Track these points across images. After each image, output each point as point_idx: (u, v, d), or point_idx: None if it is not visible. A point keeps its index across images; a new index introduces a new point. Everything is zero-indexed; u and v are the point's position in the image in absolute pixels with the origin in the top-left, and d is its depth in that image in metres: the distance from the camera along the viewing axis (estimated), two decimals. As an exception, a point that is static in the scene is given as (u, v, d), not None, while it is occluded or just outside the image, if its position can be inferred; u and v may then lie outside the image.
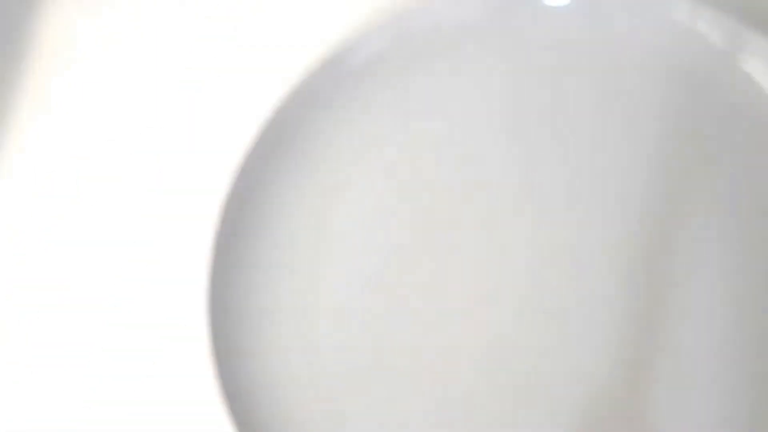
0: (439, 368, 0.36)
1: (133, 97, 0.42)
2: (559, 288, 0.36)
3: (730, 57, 0.37)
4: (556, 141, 0.38)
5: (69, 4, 0.44)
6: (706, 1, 0.37)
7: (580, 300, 0.36)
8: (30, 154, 0.42)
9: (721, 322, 0.35)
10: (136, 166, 0.41)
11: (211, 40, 0.42)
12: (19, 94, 0.43)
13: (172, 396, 0.38)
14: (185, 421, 0.37)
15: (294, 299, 0.38)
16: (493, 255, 0.37)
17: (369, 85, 0.39)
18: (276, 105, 0.38)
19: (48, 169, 0.42)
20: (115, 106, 0.42)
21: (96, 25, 0.43)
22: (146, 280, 0.40)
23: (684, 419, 0.34)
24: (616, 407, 0.34)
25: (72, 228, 0.41)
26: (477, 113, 0.39)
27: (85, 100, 0.43)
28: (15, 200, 0.42)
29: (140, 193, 0.41)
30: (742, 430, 0.33)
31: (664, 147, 0.37)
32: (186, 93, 0.42)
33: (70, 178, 0.42)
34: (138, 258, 0.40)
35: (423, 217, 0.38)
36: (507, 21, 0.39)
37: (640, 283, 0.36)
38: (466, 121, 0.39)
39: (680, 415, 0.34)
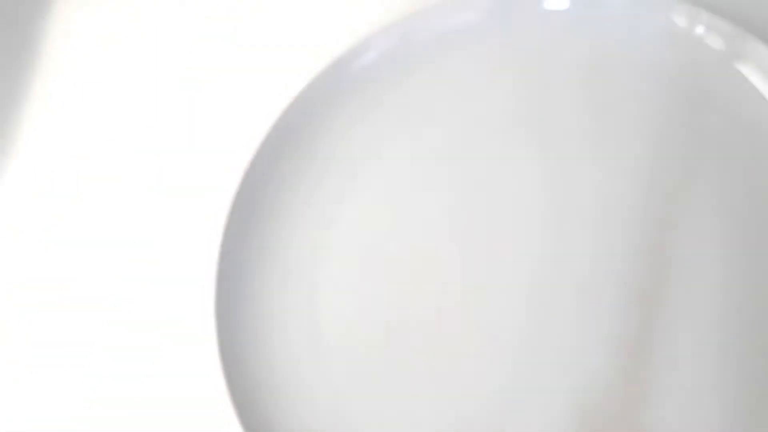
0: (442, 367, 0.36)
1: (141, 98, 0.42)
2: (559, 288, 0.36)
3: (728, 61, 0.38)
4: (556, 143, 0.38)
5: (74, 5, 0.44)
6: (705, 5, 0.38)
7: (579, 300, 0.36)
8: (36, 154, 0.43)
9: (719, 322, 0.35)
10: (144, 166, 0.42)
11: (222, 42, 0.42)
12: (25, 94, 0.43)
13: (179, 396, 0.38)
14: (193, 422, 0.37)
15: (300, 300, 0.38)
16: (493, 255, 0.37)
17: (374, 87, 0.40)
18: (283, 107, 0.39)
19: (54, 169, 0.43)
20: (123, 106, 0.43)
21: (102, 26, 0.44)
22: (154, 281, 0.40)
23: (682, 419, 0.34)
24: (615, 407, 0.34)
25: (80, 228, 0.41)
26: (478, 115, 0.39)
27: (91, 101, 0.43)
28: (21, 200, 0.42)
29: (148, 194, 0.41)
30: (740, 429, 0.33)
31: (663, 149, 0.37)
32: (196, 94, 0.42)
33: (78, 178, 0.42)
34: (146, 259, 0.40)
35: (427, 217, 0.38)
36: (507, 25, 0.40)
37: (638, 284, 0.36)
38: (467, 122, 0.39)
39: (678, 414, 0.34)
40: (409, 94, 0.40)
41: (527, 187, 0.38)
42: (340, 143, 0.40)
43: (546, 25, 0.39)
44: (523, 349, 0.36)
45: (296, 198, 0.39)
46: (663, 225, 0.36)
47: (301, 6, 0.42)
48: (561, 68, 0.39)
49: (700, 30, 0.38)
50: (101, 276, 0.40)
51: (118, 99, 0.43)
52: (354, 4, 0.41)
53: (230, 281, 0.38)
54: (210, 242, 0.38)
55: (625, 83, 0.39)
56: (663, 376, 0.34)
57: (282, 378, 0.37)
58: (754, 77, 0.37)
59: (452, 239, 0.38)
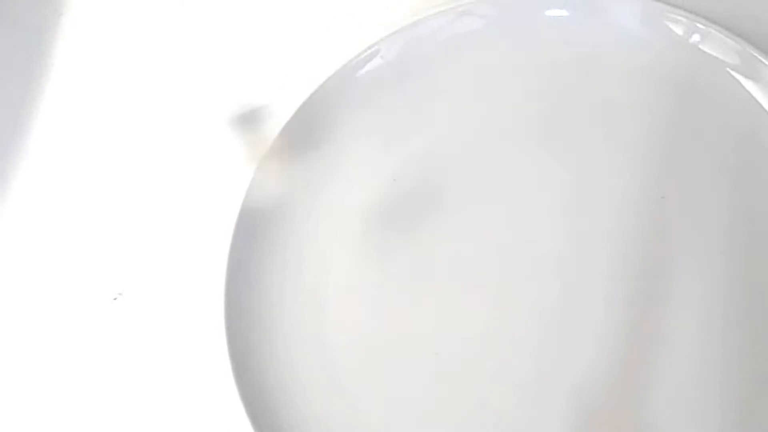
0: (444, 368, 0.37)
1: (147, 104, 0.43)
2: (559, 288, 0.37)
3: (724, 69, 0.38)
4: (557, 147, 0.39)
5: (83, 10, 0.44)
6: (701, 14, 0.38)
7: (579, 300, 0.37)
8: (43, 158, 0.43)
9: (718, 322, 0.35)
10: (154, 174, 0.42)
11: (231, 50, 0.42)
12: (33, 98, 0.43)
13: (189, 398, 0.38)
14: (203, 422, 0.38)
15: (307, 299, 0.38)
16: (494, 257, 0.38)
17: (380, 93, 0.40)
18: (290, 114, 0.39)
19: (61, 174, 0.43)
20: (130, 112, 0.43)
21: (111, 29, 0.44)
22: (165, 284, 0.40)
23: (680, 418, 0.34)
24: (615, 406, 0.35)
25: (87, 234, 0.42)
26: (482, 120, 0.40)
27: (98, 105, 0.43)
28: (27, 204, 0.42)
29: (158, 200, 0.41)
30: (738, 429, 0.34)
31: (659, 154, 0.38)
32: (204, 100, 0.42)
33: (87, 183, 0.42)
34: (157, 263, 0.41)
35: (432, 222, 0.39)
36: (510, 31, 0.40)
37: (638, 284, 0.36)
38: (471, 127, 0.40)
39: (676, 413, 0.34)
40: (415, 99, 0.40)
41: (529, 190, 0.38)
42: (347, 149, 0.40)
43: (548, 31, 0.40)
44: (523, 350, 0.37)
45: (303, 202, 0.39)
46: (661, 226, 0.37)
47: (308, 12, 0.42)
48: (561, 74, 0.40)
49: (696, 38, 0.38)
50: (106, 278, 0.41)
51: (125, 104, 0.43)
52: (360, 11, 0.41)
53: (239, 285, 0.38)
54: (218, 250, 0.38)
55: (623, 88, 0.39)
56: (663, 375, 0.35)
57: (291, 378, 0.37)
58: (749, 84, 0.38)
59: (457, 242, 0.38)
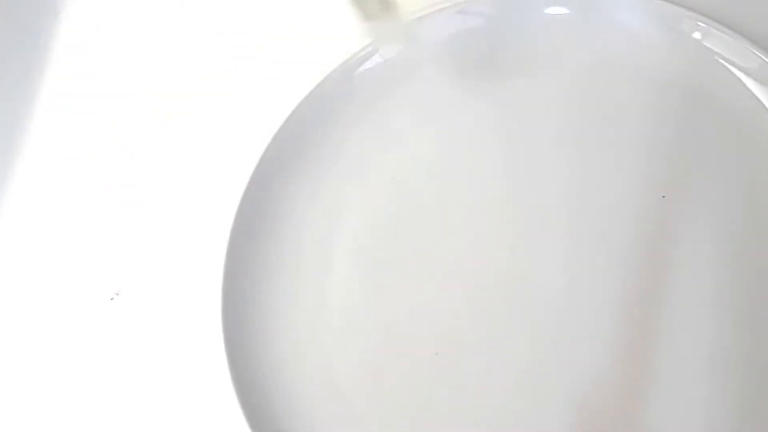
0: (444, 368, 0.37)
1: (147, 101, 0.43)
2: (560, 288, 0.37)
3: (725, 67, 0.38)
4: (557, 145, 0.39)
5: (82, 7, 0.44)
6: (703, 12, 0.38)
7: (579, 300, 0.37)
8: (44, 156, 0.43)
9: (718, 322, 0.35)
10: (155, 166, 0.42)
11: (229, 49, 0.43)
12: (32, 96, 0.43)
13: (186, 397, 0.38)
14: (200, 421, 0.38)
15: (304, 299, 0.38)
16: (495, 256, 0.38)
17: (379, 91, 0.40)
18: (288, 112, 0.39)
19: (60, 172, 0.43)
20: (129, 109, 0.43)
21: (110, 28, 0.44)
22: (162, 284, 0.40)
23: (682, 418, 0.34)
24: (615, 407, 0.35)
25: (86, 230, 0.42)
26: (481, 118, 0.40)
27: (96, 101, 0.43)
28: (26, 201, 0.42)
29: (156, 199, 0.41)
30: (739, 429, 0.34)
31: (660, 152, 0.38)
32: (203, 98, 0.42)
33: (84, 180, 0.42)
34: (154, 262, 0.41)
35: (432, 219, 0.39)
36: (509, 29, 0.40)
37: (637, 285, 0.36)
38: (470, 125, 0.40)
39: (678, 414, 0.34)
40: (414, 98, 0.40)
41: (529, 189, 0.38)
42: (345, 147, 0.40)
43: (547, 29, 0.40)
44: (524, 350, 0.36)
45: (301, 197, 0.39)
46: (661, 226, 0.37)
47: (308, 12, 0.42)
48: (562, 71, 0.40)
49: (697, 36, 0.38)
50: (104, 277, 0.41)
51: (122, 103, 0.43)
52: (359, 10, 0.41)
53: (236, 279, 0.38)
54: (216, 247, 0.38)
55: (623, 87, 0.39)
56: (663, 375, 0.35)
57: (288, 377, 0.37)
58: (751, 83, 0.38)
59: (457, 241, 0.38)
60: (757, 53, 0.37)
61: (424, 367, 0.37)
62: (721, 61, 0.38)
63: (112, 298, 0.40)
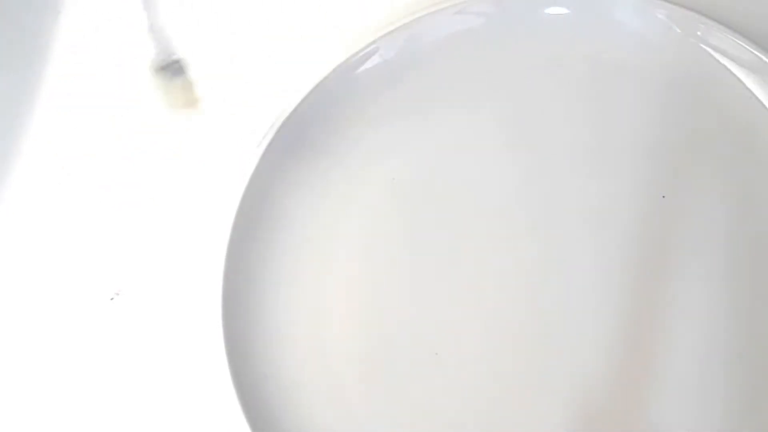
0: (444, 368, 0.37)
1: (147, 104, 0.42)
2: (559, 290, 0.37)
3: (725, 66, 0.38)
4: (557, 145, 0.39)
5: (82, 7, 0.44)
6: (702, 12, 0.38)
7: (579, 300, 0.37)
8: (43, 156, 0.43)
9: (718, 322, 0.35)
10: (155, 166, 0.42)
11: (229, 47, 0.42)
12: (30, 96, 0.43)
13: (186, 397, 0.38)
14: (200, 421, 0.38)
15: (305, 299, 0.39)
16: (494, 256, 0.38)
17: (378, 91, 0.40)
18: (287, 112, 0.39)
19: (59, 172, 0.43)
20: (128, 110, 0.43)
21: (109, 29, 0.44)
22: (162, 284, 0.40)
23: (682, 418, 0.34)
24: (615, 407, 0.35)
25: (86, 230, 0.42)
26: (481, 118, 0.40)
27: (94, 102, 0.43)
28: (24, 202, 0.42)
29: (155, 199, 0.41)
30: (735, 428, 0.34)
31: (660, 152, 0.38)
32: (203, 97, 0.42)
33: (83, 181, 0.42)
34: (154, 262, 0.41)
35: (431, 222, 0.39)
36: (510, 29, 0.40)
37: (638, 285, 0.36)
38: (470, 125, 0.40)
39: (676, 412, 0.35)
40: (413, 98, 0.40)
41: (529, 189, 0.38)
42: (345, 147, 0.40)
43: (547, 29, 0.40)
44: (524, 350, 0.37)
45: (301, 202, 0.39)
46: (661, 226, 0.37)
47: (307, 11, 0.42)
48: (562, 72, 0.39)
49: (697, 36, 0.38)
50: (104, 277, 0.41)
51: (122, 102, 0.42)
52: (358, 9, 0.41)
53: (236, 282, 0.38)
54: (216, 247, 0.38)
55: (623, 87, 0.39)
56: (663, 376, 0.35)
57: (288, 380, 0.37)
58: (750, 82, 0.38)
59: (457, 242, 0.38)
60: (757, 53, 0.37)
61: (424, 367, 0.37)
62: (721, 60, 0.38)
63: (112, 298, 0.40)
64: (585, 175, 0.38)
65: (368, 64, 0.39)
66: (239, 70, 0.42)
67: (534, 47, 0.40)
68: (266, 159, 0.39)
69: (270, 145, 0.39)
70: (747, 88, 0.38)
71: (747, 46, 0.37)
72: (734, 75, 0.38)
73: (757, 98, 0.38)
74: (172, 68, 0.34)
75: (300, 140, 0.39)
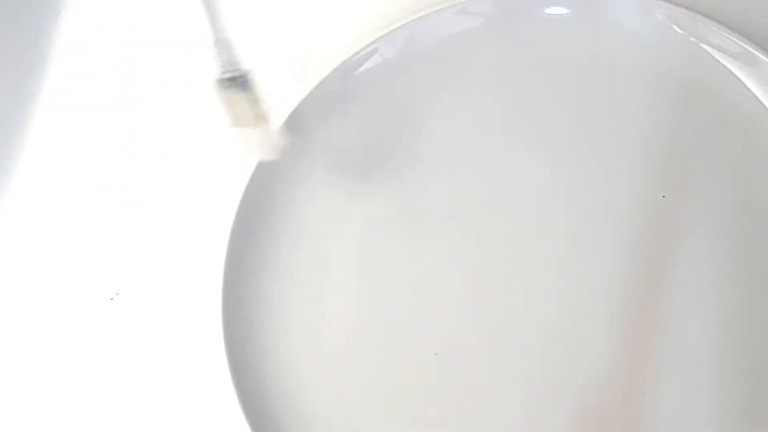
0: (443, 369, 0.37)
1: (148, 102, 0.43)
2: (560, 288, 0.37)
3: (724, 66, 0.38)
4: (557, 145, 0.39)
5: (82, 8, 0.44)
6: (702, 12, 0.38)
7: (580, 300, 0.37)
8: (44, 156, 0.43)
9: (717, 322, 0.35)
10: (155, 166, 0.42)
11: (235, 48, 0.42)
12: (33, 96, 0.43)
13: (187, 396, 0.39)
14: (200, 421, 0.38)
15: (305, 299, 0.39)
16: (495, 256, 0.38)
17: (378, 91, 0.40)
18: (287, 113, 0.39)
19: (60, 171, 0.43)
20: (129, 110, 0.43)
21: (110, 29, 0.44)
22: (162, 283, 0.40)
23: (682, 419, 0.34)
24: (615, 407, 0.35)
25: (86, 230, 0.42)
26: (480, 118, 0.40)
27: (96, 103, 0.43)
28: (26, 201, 0.42)
29: (156, 199, 0.41)
30: (735, 427, 0.34)
31: (660, 151, 0.38)
32: (203, 98, 0.40)
33: (84, 180, 0.42)
34: (154, 262, 0.41)
35: (430, 222, 0.39)
36: (510, 29, 0.40)
37: (637, 286, 0.36)
38: (470, 125, 0.40)
39: (678, 414, 0.35)
40: (413, 98, 0.40)
41: (529, 189, 0.38)
42: (345, 147, 0.40)
43: (547, 29, 0.40)
44: (523, 350, 0.37)
45: (301, 202, 0.39)
46: (661, 226, 0.37)
47: (307, 11, 0.42)
48: (562, 72, 0.39)
49: (697, 36, 0.38)
50: (104, 277, 0.41)
51: (122, 102, 0.43)
52: (358, 10, 0.41)
53: (236, 282, 0.38)
54: (216, 247, 0.38)
55: (623, 86, 0.39)
56: (663, 376, 0.35)
57: (288, 377, 0.37)
58: (750, 82, 0.38)
59: (457, 242, 0.38)
60: (757, 53, 0.37)
61: (424, 367, 0.37)
62: (721, 60, 0.38)
63: (112, 298, 0.40)
64: (585, 175, 0.38)
65: (368, 64, 0.39)
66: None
67: (534, 47, 0.40)
68: (266, 158, 0.38)
69: (270, 144, 0.38)
70: (747, 88, 0.38)
71: (747, 46, 0.37)
72: (734, 75, 0.38)
73: (757, 98, 0.37)
74: (237, 82, 0.33)
75: (301, 140, 0.39)
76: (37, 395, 0.40)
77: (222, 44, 0.33)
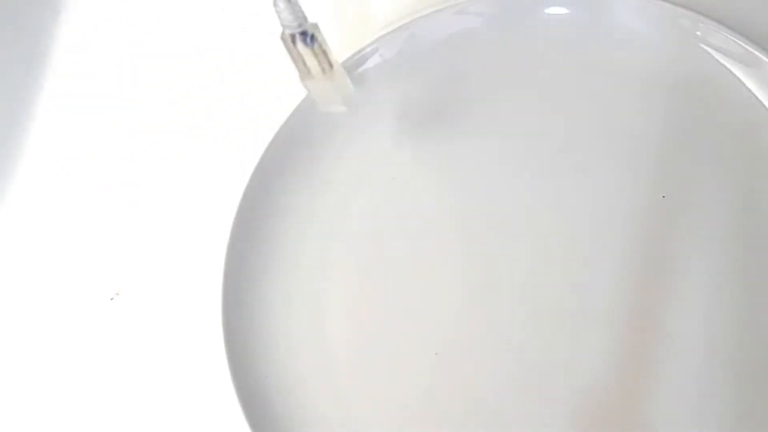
0: (443, 369, 0.37)
1: (149, 101, 0.43)
2: (561, 288, 0.37)
3: (725, 67, 0.38)
4: (557, 145, 0.39)
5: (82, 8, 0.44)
6: (703, 12, 0.38)
7: (580, 300, 0.37)
8: (44, 155, 0.43)
9: (717, 323, 0.35)
10: (155, 166, 0.42)
11: (229, 49, 0.42)
12: (34, 96, 0.43)
13: (187, 396, 0.39)
14: (200, 421, 0.38)
15: (305, 299, 0.39)
16: (496, 257, 0.38)
17: (378, 91, 0.40)
18: (287, 113, 0.39)
19: (61, 172, 0.43)
20: (130, 109, 0.43)
21: (111, 29, 0.44)
22: (162, 283, 0.40)
23: (682, 419, 0.34)
24: (615, 407, 0.35)
25: (86, 231, 0.42)
26: (480, 118, 0.40)
27: (97, 103, 0.43)
28: (27, 202, 0.43)
29: (156, 199, 0.42)
30: (735, 428, 0.34)
31: (661, 152, 0.38)
32: (204, 99, 0.42)
33: (84, 180, 0.42)
34: (154, 262, 0.41)
35: (429, 218, 0.39)
36: (509, 29, 0.40)
37: (637, 286, 0.36)
38: (470, 125, 0.39)
39: (678, 414, 0.34)
40: (413, 98, 0.40)
41: (529, 189, 0.38)
42: (345, 147, 0.40)
43: (548, 29, 0.40)
44: (523, 350, 0.37)
45: (301, 201, 0.39)
46: (661, 226, 0.37)
47: (307, 12, 0.42)
48: (562, 71, 0.39)
49: (697, 36, 0.38)
50: (104, 277, 0.41)
51: (123, 102, 0.43)
52: (358, 9, 0.41)
53: (236, 285, 0.38)
54: (216, 247, 0.38)
55: (623, 87, 0.39)
56: (665, 375, 0.35)
57: (288, 377, 0.37)
58: (751, 82, 0.38)
59: (457, 242, 0.38)
60: (757, 53, 0.37)
61: (424, 367, 0.37)
62: (721, 60, 0.38)
63: (112, 298, 0.40)
64: (585, 175, 0.38)
65: (368, 64, 0.39)
66: (239, 70, 0.42)
67: (534, 47, 0.40)
68: (266, 159, 0.39)
69: (270, 144, 0.39)
70: (747, 88, 0.38)
71: (747, 46, 0.37)
72: (734, 75, 0.38)
73: (757, 98, 0.37)
74: (305, 36, 0.33)
75: (301, 140, 0.39)
76: (38, 395, 0.40)
77: (288, 1, 0.33)
